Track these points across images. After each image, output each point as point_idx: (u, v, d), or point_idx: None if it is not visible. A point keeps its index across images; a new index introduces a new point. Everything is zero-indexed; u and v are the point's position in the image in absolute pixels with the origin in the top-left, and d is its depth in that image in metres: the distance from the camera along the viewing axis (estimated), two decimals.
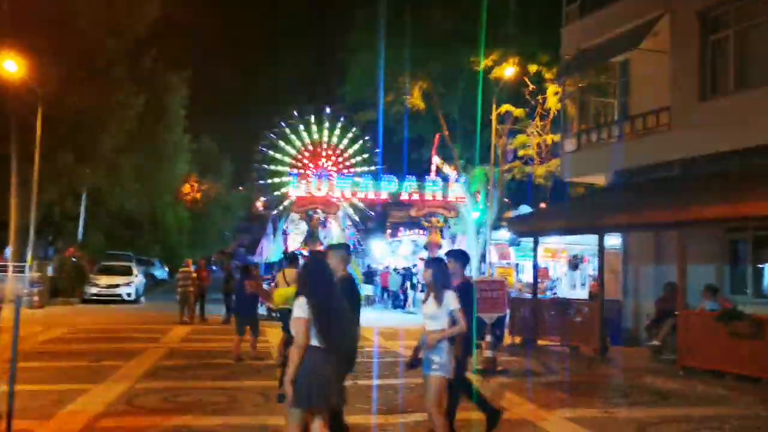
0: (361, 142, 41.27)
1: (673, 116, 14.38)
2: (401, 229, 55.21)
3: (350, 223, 41.43)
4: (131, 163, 34.40)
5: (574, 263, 17.13)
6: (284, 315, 10.03)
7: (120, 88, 32.92)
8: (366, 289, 32.51)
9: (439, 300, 6.07)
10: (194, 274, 20.88)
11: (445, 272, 6.28)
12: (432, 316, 6.16)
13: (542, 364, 12.68)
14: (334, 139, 44.14)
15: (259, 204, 58.04)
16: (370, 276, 33.56)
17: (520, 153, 24.05)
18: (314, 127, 40.32)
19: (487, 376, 11.36)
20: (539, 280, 26.68)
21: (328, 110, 39.83)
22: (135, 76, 34.54)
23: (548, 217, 15.13)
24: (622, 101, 17.24)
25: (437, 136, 25.73)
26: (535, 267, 15.62)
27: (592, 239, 28.47)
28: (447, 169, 25.49)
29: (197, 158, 53.01)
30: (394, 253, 43.42)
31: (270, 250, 42.24)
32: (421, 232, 47.08)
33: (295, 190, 23.92)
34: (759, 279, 13.17)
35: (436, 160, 26.46)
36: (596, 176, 16.93)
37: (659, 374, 11.16)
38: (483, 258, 27.39)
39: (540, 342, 14.87)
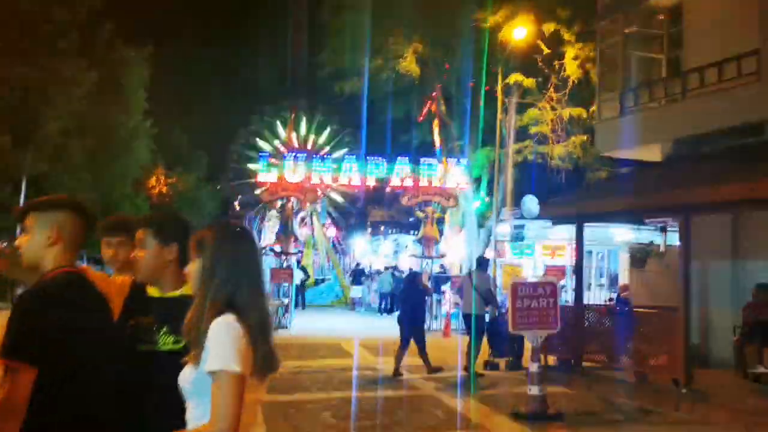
0: (339, 136, 37.30)
1: (765, 62, 10.75)
2: (382, 228, 51.97)
3: (329, 221, 37.70)
4: (81, 147, 30.16)
5: (641, 257, 13.36)
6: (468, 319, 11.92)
7: (67, 62, 28.80)
8: (353, 291, 28.75)
9: (197, 349, 2.24)
10: None
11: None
12: (188, 388, 2.32)
13: (607, 402, 8.96)
14: (312, 135, 40.27)
15: (236, 204, 54.49)
16: (357, 276, 29.75)
17: (532, 130, 20.30)
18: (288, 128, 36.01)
19: (536, 425, 7.63)
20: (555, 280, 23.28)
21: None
22: (87, 50, 30.44)
23: (601, 196, 11.37)
24: (674, 55, 13.65)
25: (437, 89, 21.67)
26: (580, 263, 11.85)
27: (599, 234, 25.17)
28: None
29: (166, 151, 48.89)
30: (375, 252, 40.30)
31: None
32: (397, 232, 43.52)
33: (265, 174, 20.00)
34: None
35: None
36: (646, 148, 13.23)
37: None
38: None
39: (586, 363, 11.14)
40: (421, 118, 21.81)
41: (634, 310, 10.68)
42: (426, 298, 13.54)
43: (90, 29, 31.32)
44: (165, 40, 51.81)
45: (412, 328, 12.18)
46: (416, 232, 44.12)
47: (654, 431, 7.50)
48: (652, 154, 13.21)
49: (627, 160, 16.03)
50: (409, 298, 12.64)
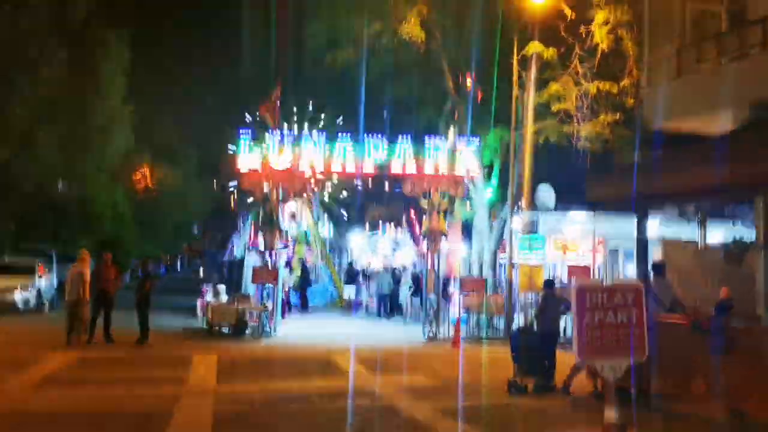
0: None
1: None
2: (381, 225, 49.86)
3: (324, 218, 35.01)
4: (51, 134, 27.50)
5: (738, 252, 10.61)
6: None
7: (34, 41, 26.18)
8: (347, 292, 26.16)
9: None
10: (87, 274, 14.26)
11: None
12: None
13: None
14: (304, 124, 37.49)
15: (231, 204, 52.11)
16: (351, 276, 27.18)
17: (555, 107, 17.62)
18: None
19: None
20: (552, 281, 20.46)
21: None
22: (59, 28, 27.81)
23: (673, 168, 8.64)
24: (734, 8, 11.06)
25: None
26: (644, 261, 9.13)
27: (621, 228, 22.42)
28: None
29: (153, 144, 46.33)
30: (374, 250, 37.93)
31: (237, 247, 35.88)
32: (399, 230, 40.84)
33: (246, 156, 17.22)
34: None
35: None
36: (714, 115, 10.57)
37: None
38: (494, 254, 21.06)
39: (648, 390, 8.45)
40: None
41: (729, 325, 7.96)
42: (563, 308, 11.15)
43: (62, 7, 28.61)
44: (149, 26, 48.84)
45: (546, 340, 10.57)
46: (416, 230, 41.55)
47: None
48: (721, 122, 10.53)
49: (665, 141, 13.43)
50: (545, 308, 11.04)
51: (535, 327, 11.37)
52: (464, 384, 11.24)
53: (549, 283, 11.73)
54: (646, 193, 8.44)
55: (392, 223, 46.60)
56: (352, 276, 27.18)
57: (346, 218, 43.52)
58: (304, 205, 29.91)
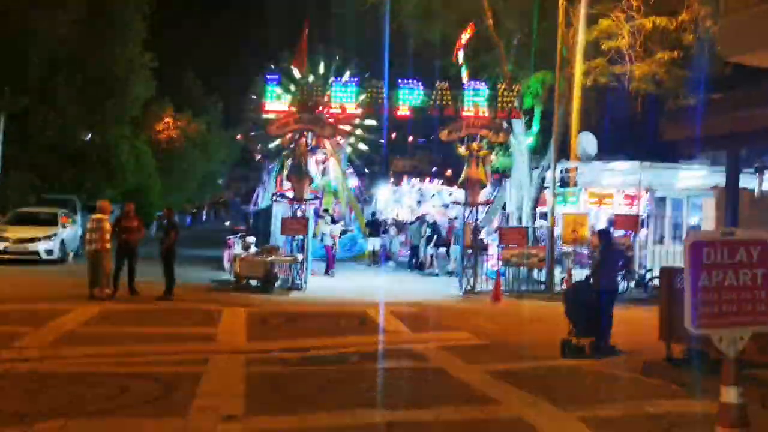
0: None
1: None
2: (405, 177, 49.34)
3: (350, 170, 34.00)
4: (71, 82, 26.62)
5: None
6: None
7: None
8: (371, 243, 25.31)
9: None
10: (107, 224, 13.52)
11: None
12: None
13: None
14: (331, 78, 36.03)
15: (256, 153, 51.54)
16: (376, 227, 26.31)
17: (605, 45, 16.29)
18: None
19: None
20: (610, 231, 19.44)
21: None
22: None
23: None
24: None
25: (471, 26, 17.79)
26: (734, 207, 8.02)
27: (665, 178, 21.21)
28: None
29: (176, 93, 45.45)
30: (398, 202, 37.33)
31: (262, 198, 35.20)
32: (426, 180, 39.85)
33: (273, 102, 16.26)
34: None
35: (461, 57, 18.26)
36: None
37: None
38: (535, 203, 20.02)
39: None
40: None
41: None
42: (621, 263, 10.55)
43: None
44: None
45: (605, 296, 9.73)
46: (441, 181, 40.39)
47: None
48: None
49: (742, 76, 12.13)
50: (604, 262, 10.06)
51: (591, 281, 10.42)
52: (513, 343, 10.43)
53: (607, 234, 10.73)
54: (735, 131, 7.34)
55: (418, 175, 45.59)
56: (376, 228, 26.34)
57: (374, 169, 42.52)
58: (332, 155, 28.92)
